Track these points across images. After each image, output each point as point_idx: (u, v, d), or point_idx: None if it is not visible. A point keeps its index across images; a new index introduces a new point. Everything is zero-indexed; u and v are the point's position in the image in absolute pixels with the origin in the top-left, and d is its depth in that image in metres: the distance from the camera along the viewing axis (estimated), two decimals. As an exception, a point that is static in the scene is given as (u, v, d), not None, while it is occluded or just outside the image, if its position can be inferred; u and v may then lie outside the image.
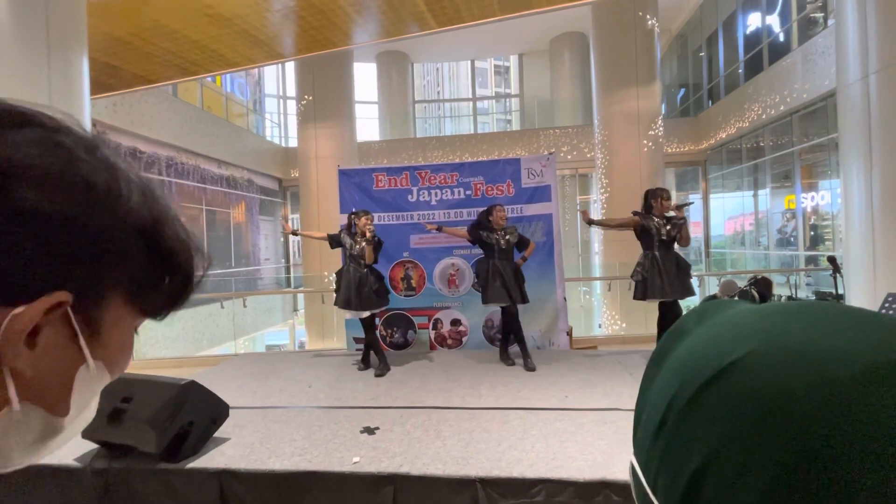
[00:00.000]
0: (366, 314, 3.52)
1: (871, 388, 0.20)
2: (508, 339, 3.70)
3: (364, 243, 3.50)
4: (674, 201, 3.50)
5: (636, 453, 0.27)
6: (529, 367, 3.40)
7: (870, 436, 0.19)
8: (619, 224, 3.61)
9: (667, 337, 0.30)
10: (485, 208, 3.67)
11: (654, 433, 0.25)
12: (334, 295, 3.64)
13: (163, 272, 0.31)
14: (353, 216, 3.62)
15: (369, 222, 3.52)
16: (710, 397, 0.23)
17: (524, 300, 3.61)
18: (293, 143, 12.31)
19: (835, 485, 0.18)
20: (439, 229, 3.81)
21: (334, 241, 3.65)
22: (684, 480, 0.22)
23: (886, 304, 2.74)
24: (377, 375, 3.33)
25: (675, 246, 3.44)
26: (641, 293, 3.41)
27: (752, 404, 0.21)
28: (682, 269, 3.41)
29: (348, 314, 3.67)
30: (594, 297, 9.96)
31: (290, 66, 12.21)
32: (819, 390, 0.20)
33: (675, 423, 0.23)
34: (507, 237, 3.57)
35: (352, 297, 3.44)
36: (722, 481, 0.21)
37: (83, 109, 3.22)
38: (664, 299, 3.33)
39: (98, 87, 5.64)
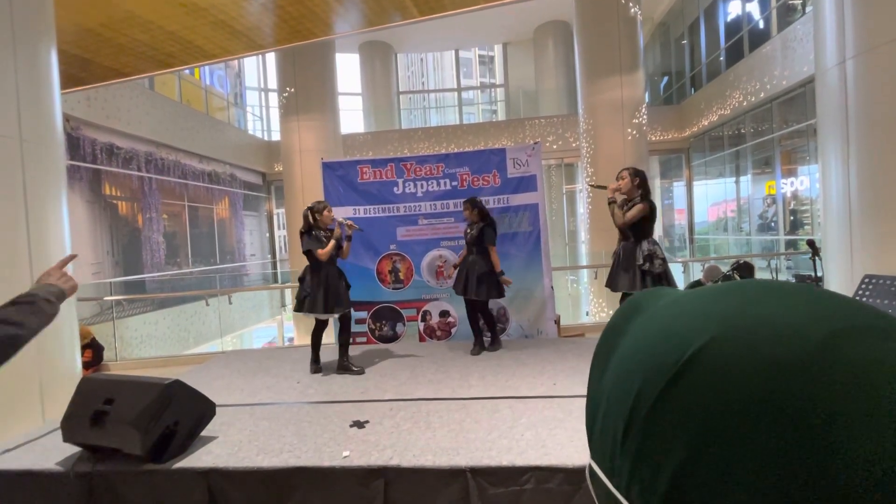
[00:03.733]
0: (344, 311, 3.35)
1: (839, 351, 0.20)
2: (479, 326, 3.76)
3: (330, 239, 3.26)
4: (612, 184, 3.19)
5: (596, 458, 0.26)
6: (490, 348, 3.62)
7: (850, 397, 0.19)
8: (631, 217, 3.05)
9: (608, 331, 0.29)
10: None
11: (622, 436, 0.23)
12: (303, 302, 3.25)
13: None
14: (313, 212, 3.30)
15: (330, 212, 3.34)
16: (678, 393, 0.22)
17: (476, 295, 3.54)
18: (276, 136, 12.12)
19: (824, 457, 0.18)
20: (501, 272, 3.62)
21: (313, 244, 3.25)
22: (665, 483, 0.21)
23: (863, 286, 2.82)
24: (359, 372, 3.27)
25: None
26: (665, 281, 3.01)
27: (721, 396, 0.20)
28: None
29: (326, 316, 3.39)
30: (581, 286, 10.07)
31: (271, 58, 11.97)
32: (782, 371, 0.20)
33: (644, 424, 0.22)
34: (470, 231, 3.64)
35: (342, 296, 3.29)
36: (707, 480, 0.20)
37: (53, 104, 3.11)
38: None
39: (69, 80, 5.45)
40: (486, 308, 3.71)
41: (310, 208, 3.33)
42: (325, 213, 3.32)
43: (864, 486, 0.17)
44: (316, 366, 3.41)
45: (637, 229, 3.07)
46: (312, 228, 3.28)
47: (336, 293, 3.26)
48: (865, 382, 0.19)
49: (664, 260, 3.02)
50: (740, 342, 0.21)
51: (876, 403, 0.18)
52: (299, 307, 3.31)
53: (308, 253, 3.28)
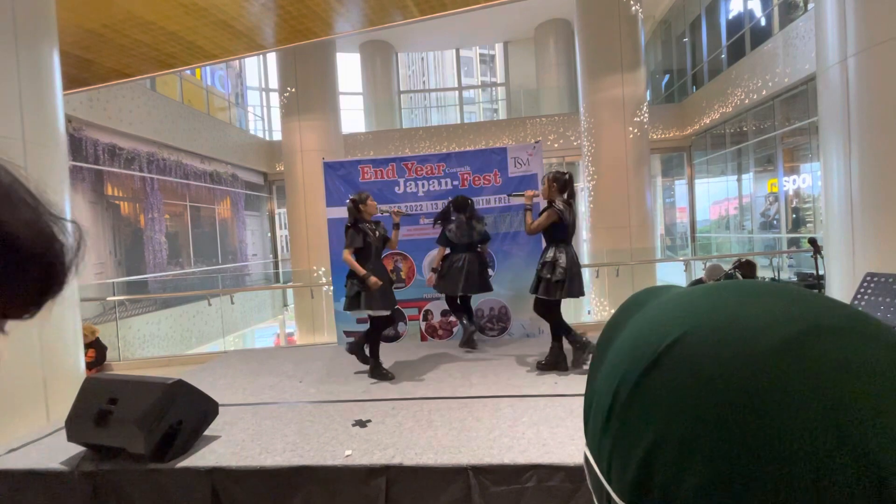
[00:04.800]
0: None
1: (803, 350, 0.21)
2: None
3: (379, 231, 3.13)
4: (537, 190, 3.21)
5: (588, 444, 0.27)
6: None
7: (787, 403, 0.20)
8: (538, 224, 3.04)
9: (607, 327, 0.30)
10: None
11: (604, 422, 0.25)
12: (357, 298, 3.04)
13: (5, 264, 0.26)
14: (357, 203, 3.12)
15: (374, 202, 3.19)
16: (651, 382, 0.23)
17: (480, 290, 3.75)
18: (277, 136, 12.13)
19: (767, 455, 0.19)
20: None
21: (359, 238, 3.06)
22: (634, 467, 0.22)
23: (865, 284, 2.81)
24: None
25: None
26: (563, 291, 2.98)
27: (687, 384, 0.22)
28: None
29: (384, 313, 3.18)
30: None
31: (272, 58, 11.97)
32: (743, 364, 0.21)
33: (621, 411, 0.24)
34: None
35: (389, 293, 3.10)
36: (669, 465, 0.21)
37: (56, 105, 3.12)
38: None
39: (71, 81, 5.47)
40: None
41: (353, 199, 3.16)
42: (369, 202, 3.13)
43: (803, 481, 0.18)
44: (382, 371, 3.12)
45: (547, 235, 3.07)
46: (359, 221, 3.11)
47: (384, 289, 3.06)
48: (827, 381, 0.20)
49: (566, 269, 2.94)
50: (707, 337, 0.23)
51: (836, 403, 0.19)
52: (352, 305, 3.08)
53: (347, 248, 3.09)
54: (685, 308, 0.25)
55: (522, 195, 3.21)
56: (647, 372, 0.23)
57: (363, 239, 3.05)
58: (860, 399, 0.19)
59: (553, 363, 3.05)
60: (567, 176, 3.09)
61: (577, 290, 3.02)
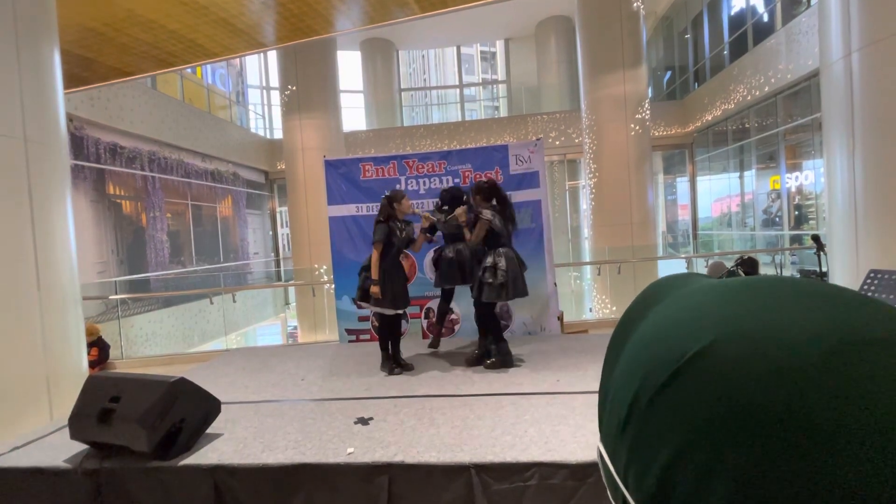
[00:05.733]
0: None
1: (846, 364, 0.19)
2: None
3: (406, 232, 3.13)
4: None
5: (603, 440, 0.26)
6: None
7: (853, 412, 0.17)
8: (477, 237, 3.09)
9: (623, 320, 0.29)
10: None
11: (622, 425, 0.24)
12: (369, 295, 3.08)
13: None
14: (392, 201, 3.14)
15: (409, 202, 3.16)
16: (674, 392, 0.21)
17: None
18: (278, 134, 12.13)
19: (821, 473, 0.17)
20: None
21: (385, 234, 3.08)
22: (654, 476, 0.21)
23: (868, 281, 2.80)
24: (396, 373, 3.15)
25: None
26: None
27: (714, 402, 0.20)
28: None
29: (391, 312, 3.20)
30: (584, 282, 10.05)
31: (273, 56, 11.96)
32: (781, 381, 0.19)
33: (641, 418, 0.23)
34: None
35: (400, 293, 3.11)
36: (689, 481, 0.20)
37: (57, 104, 3.12)
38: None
39: (72, 80, 5.47)
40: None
41: (388, 197, 3.16)
42: (404, 201, 3.13)
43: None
44: (390, 365, 3.16)
45: (485, 242, 3.11)
46: (391, 218, 3.11)
47: (395, 289, 3.11)
48: (870, 399, 0.18)
49: (507, 272, 3.01)
50: (738, 348, 0.21)
51: (881, 421, 0.17)
52: (362, 298, 3.15)
53: (376, 243, 3.11)
54: (716, 307, 0.23)
55: (456, 218, 3.18)
56: (670, 380, 0.22)
57: (388, 236, 3.09)
58: None
59: (502, 362, 3.13)
60: (488, 184, 3.16)
61: (521, 290, 3.11)
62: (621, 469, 0.24)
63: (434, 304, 4.36)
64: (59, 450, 2.12)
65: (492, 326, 3.20)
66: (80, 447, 2.10)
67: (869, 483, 0.16)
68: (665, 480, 0.21)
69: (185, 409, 2.04)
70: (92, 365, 4.42)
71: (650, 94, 9.85)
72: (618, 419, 0.24)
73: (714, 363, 0.21)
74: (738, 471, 0.18)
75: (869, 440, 0.17)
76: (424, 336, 4.34)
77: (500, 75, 15.46)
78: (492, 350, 3.18)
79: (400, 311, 3.21)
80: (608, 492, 0.25)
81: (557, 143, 11.25)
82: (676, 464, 0.20)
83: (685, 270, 7.38)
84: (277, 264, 13.42)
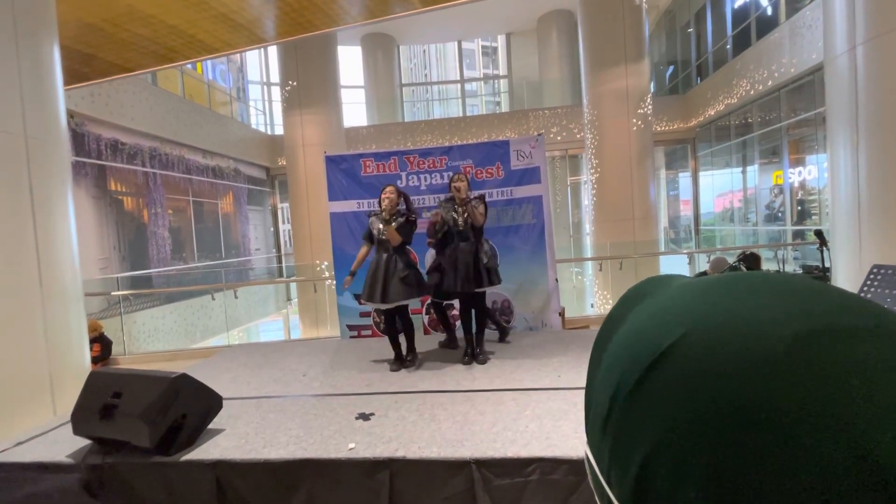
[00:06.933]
0: (387, 306, 3.09)
1: (810, 352, 0.19)
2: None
3: (381, 224, 3.12)
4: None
5: (589, 442, 0.26)
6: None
7: (797, 414, 0.18)
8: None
9: (607, 320, 0.29)
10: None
11: (602, 425, 0.24)
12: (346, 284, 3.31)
13: None
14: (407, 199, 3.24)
15: (386, 195, 3.14)
16: (649, 388, 0.22)
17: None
18: (279, 130, 12.11)
19: (773, 469, 0.17)
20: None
21: (366, 230, 3.24)
22: (633, 474, 0.21)
23: (872, 276, 2.79)
24: (397, 369, 3.13)
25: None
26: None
27: (685, 393, 0.20)
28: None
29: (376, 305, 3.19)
30: (586, 278, 10.04)
31: (273, 51, 11.92)
32: (749, 367, 0.19)
33: (619, 415, 0.23)
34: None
35: (377, 288, 3.06)
36: (668, 474, 0.20)
37: (57, 100, 3.11)
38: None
39: (72, 76, 5.46)
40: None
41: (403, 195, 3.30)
42: (382, 195, 3.20)
43: (811, 500, 0.17)
44: (396, 363, 3.16)
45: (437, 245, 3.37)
46: (374, 213, 3.30)
47: (373, 283, 3.07)
48: (835, 386, 0.18)
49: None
50: (707, 340, 0.21)
51: (845, 409, 0.17)
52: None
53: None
54: (688, 303, 0.23)
55: (445, 223, 3.33)
56: (646, 374, 0.22)
57: (368, 231, 3.25)
58: (884, 416, 0.17)
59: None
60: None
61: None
62: (605, 470, 0.24)
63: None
64: (62, 445, 2.13)
65: (485, 318, 3.34)
66: (82, 442, 2.11)
67: (830, 471, 0.17)
68: (642, 478, 0.21)
69: (187, 405, 2.05)
70: (94, 361, 4.44)
71: (652, 89, 9.80)
72: (600, 420, 0.24)
73: (685, 353, 0.21)
74: (710, 465, 0.19)
75: (829, 429, 0.17)
76: (426, 332, 4.34)
77: (502, 70, 15.39)
78: (477, 351, 3.21)
79: (383, 307, 3.11)
80: (595, 495, 0.25)
81: (559, 138, 11.20)
82: (655, 456, 0.20)
83: (686, 266, 7.38)
84: (279, 260, 13.44)
